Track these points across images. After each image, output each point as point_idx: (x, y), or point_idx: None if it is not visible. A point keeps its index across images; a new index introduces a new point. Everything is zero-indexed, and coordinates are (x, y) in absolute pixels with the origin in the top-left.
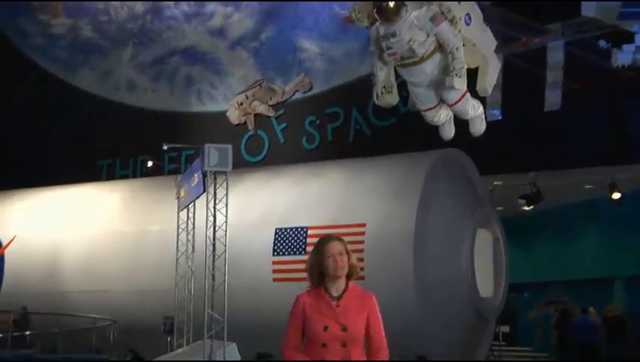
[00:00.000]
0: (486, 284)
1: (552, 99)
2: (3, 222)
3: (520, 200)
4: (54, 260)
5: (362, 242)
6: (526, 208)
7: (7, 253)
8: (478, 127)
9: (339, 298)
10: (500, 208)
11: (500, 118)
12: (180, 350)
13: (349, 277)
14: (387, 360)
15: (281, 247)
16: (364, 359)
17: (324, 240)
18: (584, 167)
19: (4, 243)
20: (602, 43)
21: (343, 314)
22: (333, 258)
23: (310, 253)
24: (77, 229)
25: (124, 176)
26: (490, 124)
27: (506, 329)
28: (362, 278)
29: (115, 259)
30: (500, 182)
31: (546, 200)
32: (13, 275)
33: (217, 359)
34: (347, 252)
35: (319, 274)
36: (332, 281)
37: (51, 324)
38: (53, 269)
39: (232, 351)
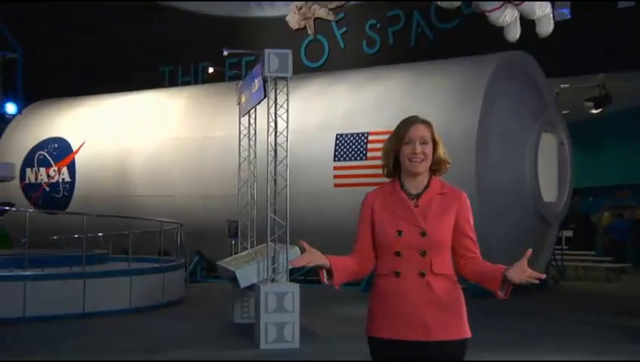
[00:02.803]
0: (550, 189)
1: None
2: (72, 128)
3: (587, 103)
4: (121, 165)
5: None
6: (594, 111)
7: (78, 158)
8: (546, 28)
9: (418, 196)
10: (566, 112)
11: (569, 17)
12: (244, 252)
13: (433, 172)
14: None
15: (341, 153)
16: (450, 272)
17: (404, 121)
18: None
19: (75, 149)
20: None
21: (423, 215)
22: (412, 146)
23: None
24: (141, 135)
25: (185, 83)
26: (559, 24)
27: (569, 233)
28: None
29: (179, 165)
30: (567, 85)
31: (615, 102)
32: (84, 179)
33: (280, 261)
34: (434, 140)
35: (395, 164)
36: (410, 177)
37: (122, 226)
38: (120, 174)
39: (295, 253)
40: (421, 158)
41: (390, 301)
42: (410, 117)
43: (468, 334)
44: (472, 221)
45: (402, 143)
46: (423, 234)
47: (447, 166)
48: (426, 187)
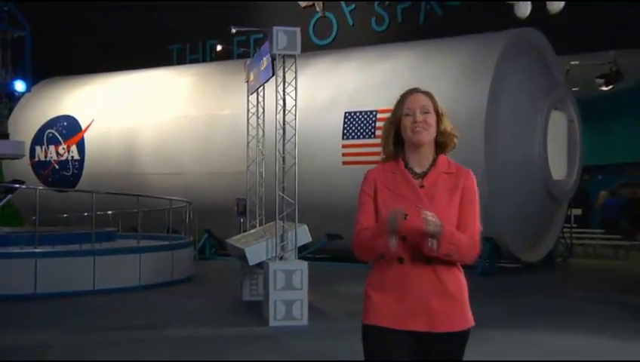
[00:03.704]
0: (559, 167)
1: None
2: (81, 106)
3: (598, 80)
4: (130, 143)
5: None
6: (604, 88)
7: (87, 136)
8: (556, 4)
9: (423, 175)
10: (576, 89)
11: None
12: (253, 230)
13: (440, 149)
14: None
15: (350, 131)
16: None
17: (404, 93)
18: None
19: (84, 127)
20: None
21: (428, 197)
22: (413, 116)
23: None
24: (150, 113)
25: (193, 61)
26: (569, 0)
27: (578, 211)
28: None
29: (187, 143)
30: (577, 62)
31: (626, 79)
32: (93, 157)
33: (289, 239)
34: (437, 111)
35: (397, 140)
36: (413, 152)
37: (131, 204)
38: (129, 152)
39: (303, 231)
40: (423, 128)
41: (393, 288)
42: (409, 89)
43: (472, 323)
44: (476, 202)
45: (402, 115)
46: None
47: (455, 140)
48: (432, 165)
